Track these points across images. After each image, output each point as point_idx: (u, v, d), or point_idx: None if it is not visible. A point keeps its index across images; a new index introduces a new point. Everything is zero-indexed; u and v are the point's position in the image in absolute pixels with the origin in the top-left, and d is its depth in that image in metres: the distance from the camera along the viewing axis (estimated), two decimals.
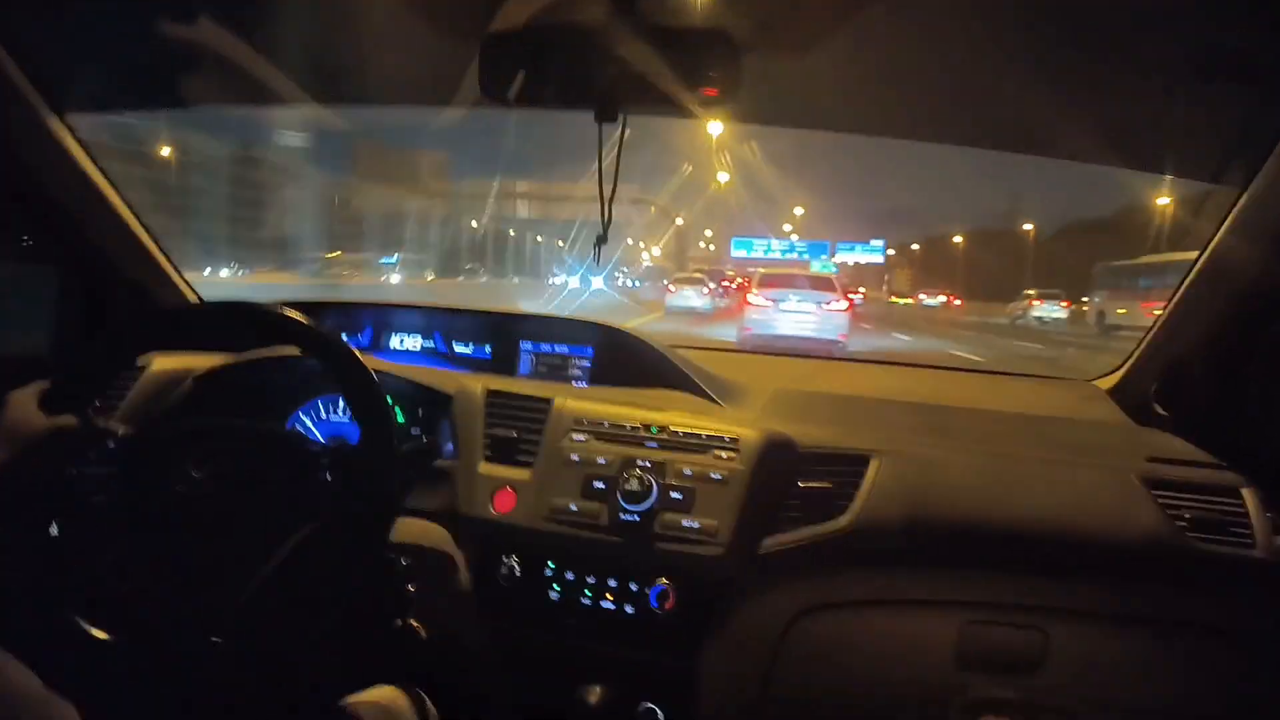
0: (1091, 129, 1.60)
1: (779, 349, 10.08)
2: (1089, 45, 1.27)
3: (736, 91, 1.33)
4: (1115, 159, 1.70)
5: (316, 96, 1.81)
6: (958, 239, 58.56)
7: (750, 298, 13.61)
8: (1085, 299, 26.22)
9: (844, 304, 13.43)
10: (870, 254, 48.38)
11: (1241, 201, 1.39)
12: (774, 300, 13.21)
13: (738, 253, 45.06)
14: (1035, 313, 28.29)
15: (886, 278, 57.70)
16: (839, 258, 45.51)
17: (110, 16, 1.37)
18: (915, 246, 65.93)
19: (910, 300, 46.31)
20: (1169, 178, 1.77)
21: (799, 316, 12.92)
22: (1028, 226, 51.61)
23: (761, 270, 16.39)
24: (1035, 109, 1.53)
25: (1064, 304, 28.35)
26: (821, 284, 14.20)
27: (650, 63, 1.32)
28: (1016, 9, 1.21)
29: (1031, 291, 30.19)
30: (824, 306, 13.15)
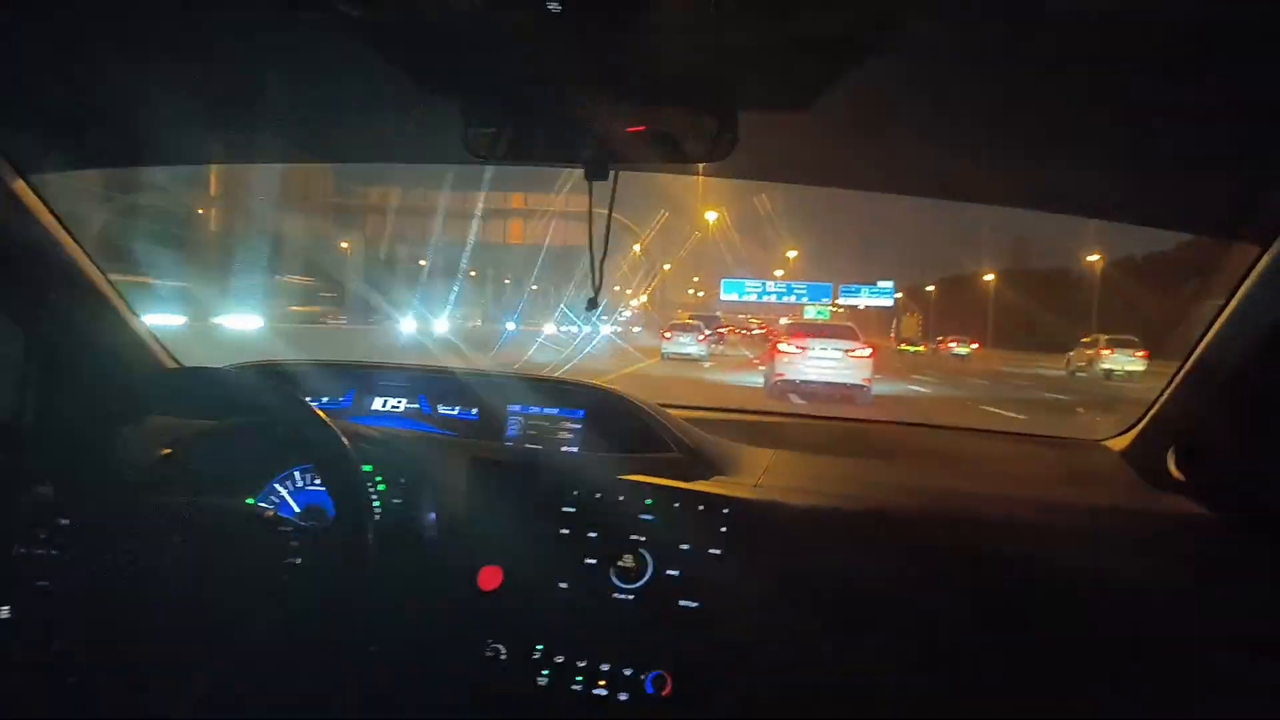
0: (1104, 187, 1.56)
1: (805, 394, 12.80)
2: (1100, 102, 1.23)
3: (730, 148, 1.29)
4: (1131, 216, 1.66)
5: (296, 155, 1.76)
6: (989, 277, 51.22)
7: (781, 346, 14.36)
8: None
9: (867, 350, 14.13)
10: (878, 297, 43.92)
11: (1265, 259, 1.34)
12: (803, 349, 14.01)
13: (728, 296, 42.40)
14: (1105, 364, 23.59)
15: (895, 323, 51.42)
16: (843, 300, 42.43)
17: (78, 74, 1.32)
18: (930, 288, 60.07)
19: (921, 348, 41.10)
20: None
21: (827, 363, 13.70)
22: (1092, 258, 40.92)
23: (788, 321, 17.80)
24: (1048, 166, 1.49)
25: (1140, 354, 23.04)
26: (845, 333, 15.09)
27: (640, 119, 1.28)
28: (1021, 65, 1.17)
29: (1100, 337, 25.07)
30: (849, 354, 13.90)
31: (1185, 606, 1.35)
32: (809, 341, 14.17)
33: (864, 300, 43.51)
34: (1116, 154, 1.37)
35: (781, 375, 13.66)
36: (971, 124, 1.34)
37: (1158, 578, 1.38)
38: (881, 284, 44.10)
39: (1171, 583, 1.37)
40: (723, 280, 42.75)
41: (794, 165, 1.53)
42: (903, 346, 41.03)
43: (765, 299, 41.90)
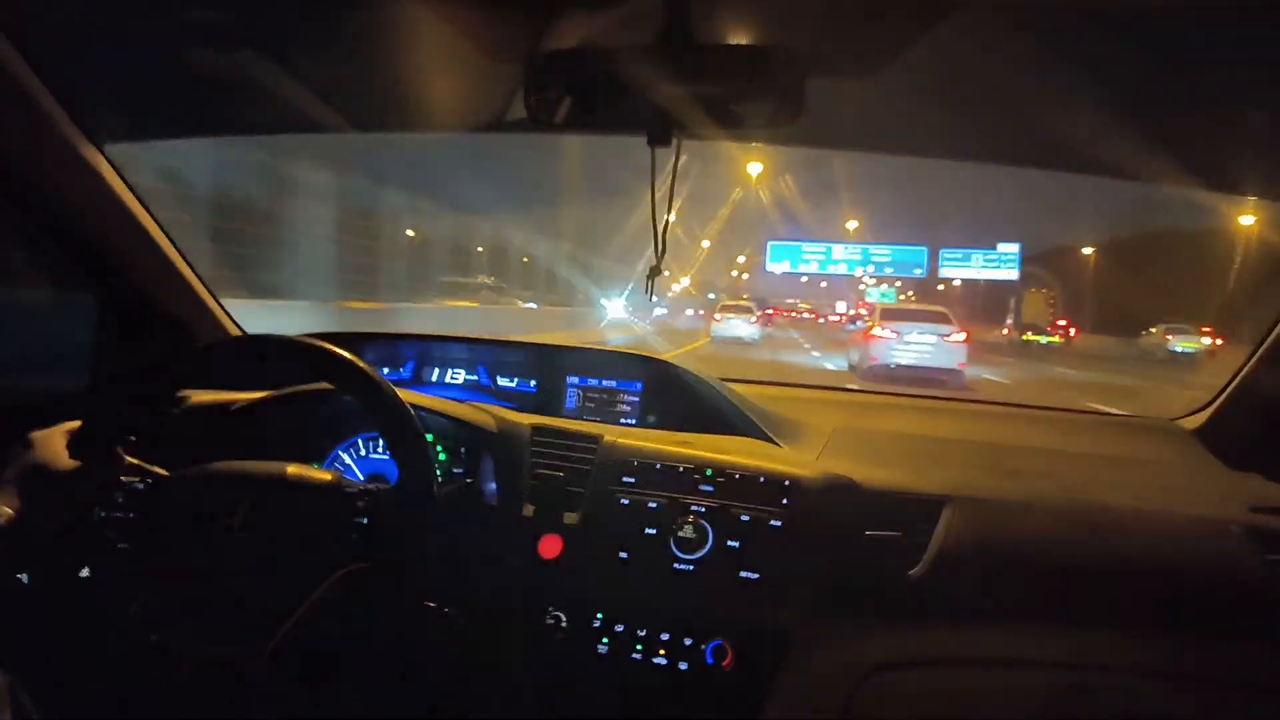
0: (1170, 150, 1.50)
1: (899, 379, 12.31)
2: (1167, 61, 1.18)
3: (796, 114, 1.26)
4: (1198, 181, 1.59)
5: (359, 124, 1.77)
6: (1087, 250, 38.14)
7: (875, 331, 14.21)
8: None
9: (962, 335, 13.99)
10: (997, 267, 29.46)
11: None
12: (897, 333, 13.91)
13: (776, 265, 30.23)
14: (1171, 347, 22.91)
15: (1013, 303, 33.68)
16: (948, 270, 30.40)
17: (147, 46, 1.34)
18: (1088, 250, 38.96)
19: (1056, 338, 28.20)
20: None
21: (920, 348, 13.62)
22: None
23: (882, 305, 17.19)
24: (1114, 131, 1.44)
25: (1201, 334, 22.52)
26: (939, 317, 14.71)
27: (705, 85, 1.25)
28: (1084, 27, 1.13)
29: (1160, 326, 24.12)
30: (944, 338, 13.78)
31: (1262, 590, 1.31)
32: (903, 326, 14.11)
33: (974, 272, 30.46)
34: (1185, 116, 1.32)
35: (875, 360, 13.66)
36: (1041, 89, 1.30)
37: (1234, 560, 1.33)
38: (1004, 248, 29.61)
39: (1249, 566, 1.32)
40: (769, 243, 30.74)
41: (860, 133, 1.50)
42: (1027, 336, 28.36)
43: (832, 267, 30.23)
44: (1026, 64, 1.24)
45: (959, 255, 30.09)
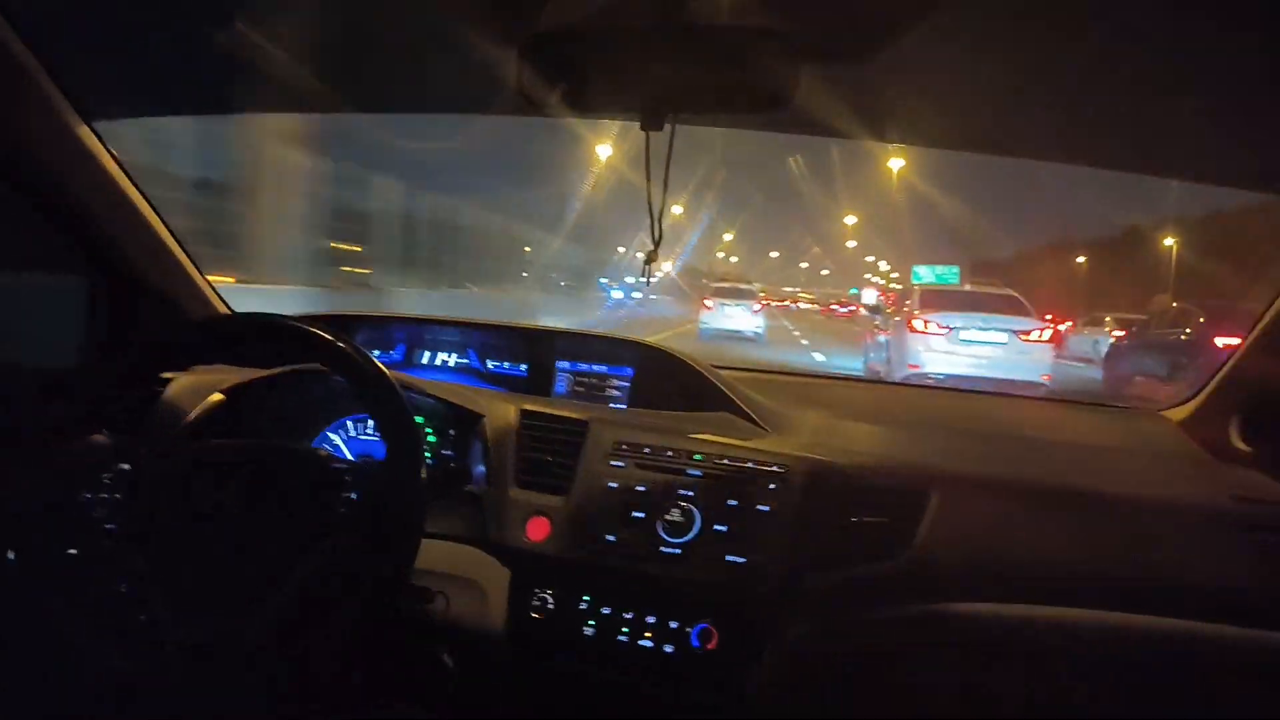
0: (1164, 141, 1.50)
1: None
2: (1161, 50, 1.18)
3: (789, 100, 1.26)
4: (1197, 172, 1.60)
5: (352, 103, 1.76)
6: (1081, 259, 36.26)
7: (915, 324, 9.56)
8: None
9: (1046, 332, 9.69)
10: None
11: None
12: (950, 328, 9.37)
13: None
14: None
15: None
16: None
17: (141, 22, 1.33)
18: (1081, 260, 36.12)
19: None
20: None
21: (985, 350, 9.26)
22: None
23: (923, 287, 12.14)
24: (1107, 122, 1.44)
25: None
26: (1009, 304, 10.22)
27: (699, 68, 1.25)
28: (1080, 17, 1.13)
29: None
30: (1019, 336, 9.41)
31: (1247, 581, 1.32)
32: (957, 317, 9.46)
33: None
34: (1199, 110, 1.32)
35: (916, 367, 9.21)
36: (1049, 77, 1.30)
37: (1220, 551, 1.35)
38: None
39: (1234, 556, 1.34)
40: None
41: (855, 119, 1.49)
42: None
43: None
44: (1022, 53, 1.24)
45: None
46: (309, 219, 14.46)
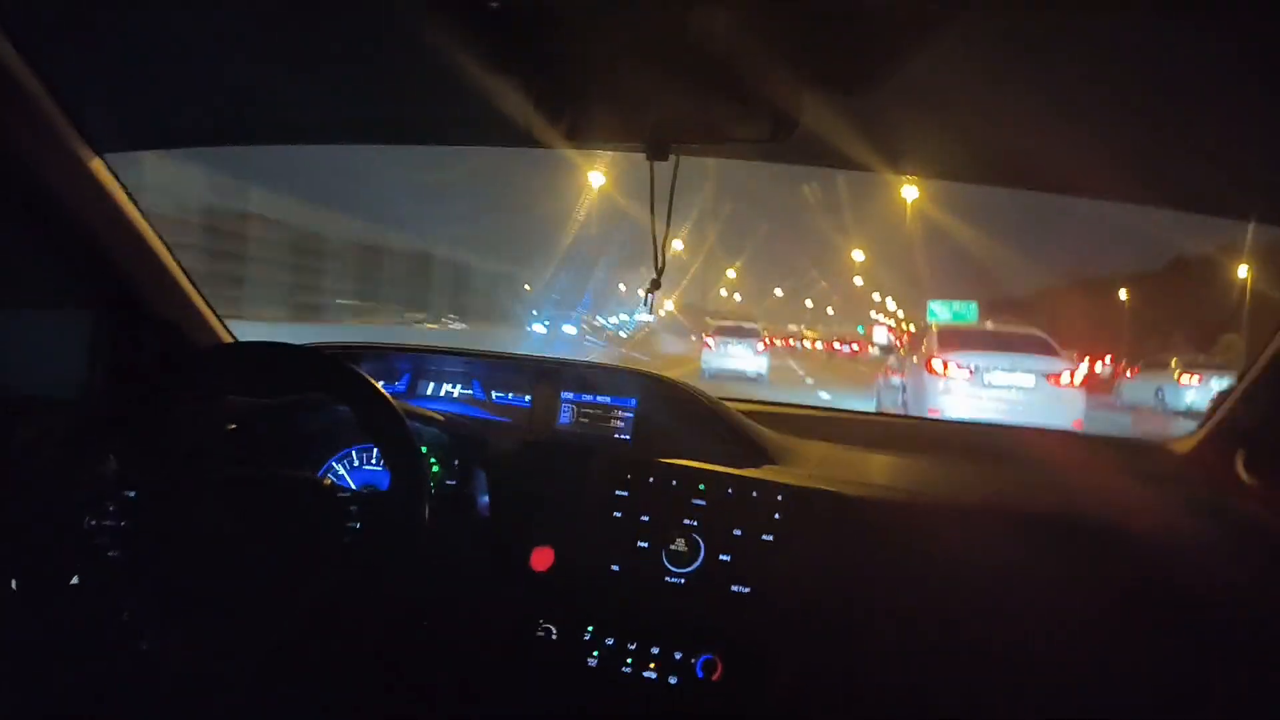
0: (1167, 173, 1.50)
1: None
2: (1166, 82, 1.18)
3: (793, 130, 1.27)
4: (1200, 205, 1.60)
5: (358, 136, 1.78)
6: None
7: (935, 364, 9.07)
8: None
9: (1079, 374, 9.33)
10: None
11: None
12: (970, 370, 8.88)
13: None
14: None
15: None
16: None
17: (152, 52, 1.35)
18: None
19: None
20: None
21: (1010, 394, 8.77)
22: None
23: (940, 325, 11.76)
24: (1109, 153, 1.44)
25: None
26: (1035, 344, 9.57)
27: (704, 99, 1.26)
28: (1086, 48, 1.13)
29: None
30: (1049, 378, 8.89)
31: (1254, 612, 1.31)
32: (980, 358, 8.98)
33: None
34: (1183, 139, 1.32)
35: (936, 411, 8.58)
36: (1047, 109, 1.30)
37: (1225, 581, 1.33)
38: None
39: (1241, 587, 1.32)
40: None
41: (857, 151, 1.50)
42: None
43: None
44: (1025, 83, 1.24)
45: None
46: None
